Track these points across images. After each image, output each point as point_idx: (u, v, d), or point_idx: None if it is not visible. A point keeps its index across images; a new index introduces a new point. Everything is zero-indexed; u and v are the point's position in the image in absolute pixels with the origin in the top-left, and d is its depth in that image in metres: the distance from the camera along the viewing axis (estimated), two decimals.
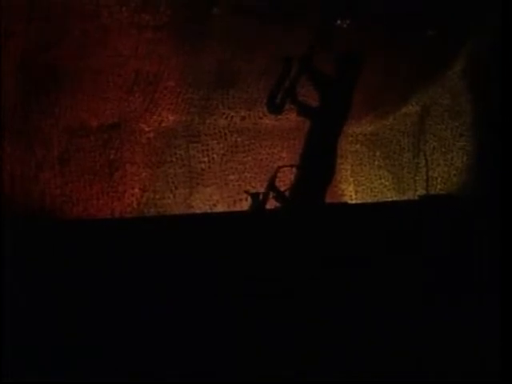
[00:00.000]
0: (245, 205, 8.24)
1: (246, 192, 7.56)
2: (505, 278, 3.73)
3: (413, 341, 4.42)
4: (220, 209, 8.12)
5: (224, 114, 8.13)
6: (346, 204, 8.35)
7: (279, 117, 7.81)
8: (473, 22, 7.78)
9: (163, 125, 7.87)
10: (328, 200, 7.22)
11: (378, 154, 9.03)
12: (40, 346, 4.54)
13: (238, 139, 8.35)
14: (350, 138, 8.88)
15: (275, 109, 6.93)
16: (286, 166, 7.53)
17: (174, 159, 8.05)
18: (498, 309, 3.73)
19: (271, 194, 7.13)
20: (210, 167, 8.22)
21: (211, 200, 8.16)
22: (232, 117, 8.19)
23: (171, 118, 7.86)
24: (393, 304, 5.05)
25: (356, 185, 9.00)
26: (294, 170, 7.09)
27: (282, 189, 7.17)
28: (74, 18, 6.70)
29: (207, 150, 8.22)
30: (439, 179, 8.77)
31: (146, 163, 7.88)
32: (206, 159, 8.22)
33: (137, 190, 7.82)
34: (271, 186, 7.16)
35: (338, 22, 7.36)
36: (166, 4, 7.07)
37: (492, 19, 7.23)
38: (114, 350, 4.59)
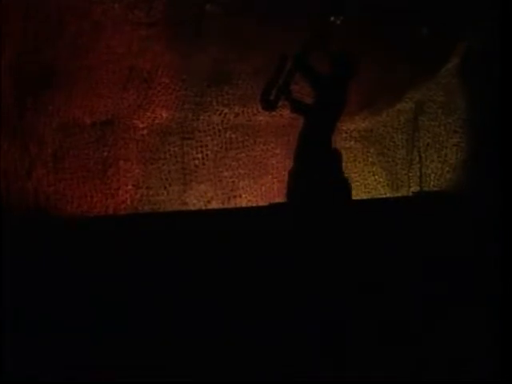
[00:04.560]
0: (239, 201, 8.24)
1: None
2: (504, 275, 3.73)
3: (411, 339, 4.43)
4: (214, 205, 8.11)
5: (218, 110, 8.12)
6: None
7: (273, 113, 7.80)
8: (467, 19, 7.78)
9: (157, 121, 7.86)
10: None
11: (371, 150, 9.02)
12: (39, 343, 4.56)
13: (232, 136, 8.34)
14: (344, 135, 8.87)
15: (269, 105, 6.92)
16: None
17: (167, 156, 8.03)
18: (497, 305, 3.74)
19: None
20: (204, 164, 8.20)
21: (205, 197, 8.15)
22: (226, 113, 8.18)
23: (165, 114, 7.85)
24: (388, 302, 5.06)
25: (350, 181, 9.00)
26: (289, 167, 7.08)
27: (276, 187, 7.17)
28: (67, 16, 6.69)
29: (201, 147, 8.21)
30: (433, 176, 8.77)
31: (140, 160, 7.86)
32: (199, 156, 8.20)
33: (130, 187, 7.80)
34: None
35: (332, 18, 7.34)
36: (159, 0, 7.05)
37: (487, 16, 7.24)
38: (112, 349, 4.59)
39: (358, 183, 8.99)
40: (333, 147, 6.97)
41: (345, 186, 6.94)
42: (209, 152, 8.21)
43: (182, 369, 4.29)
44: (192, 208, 7.98)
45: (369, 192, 8.82)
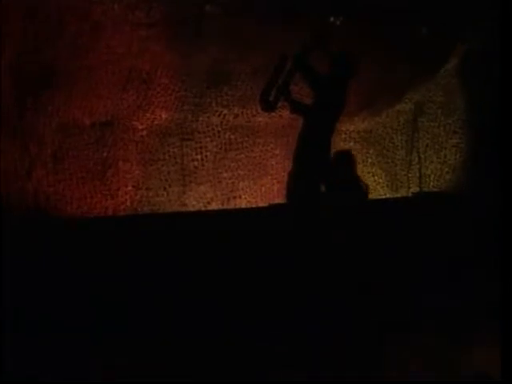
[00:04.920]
0: (239, 202, 8.24)
1: None
2: (504, 275, 3.73)
3: (410, 339, 4.44)
4: (214, 206, 8.11)
5: (217, 111, 8.12)
6: None
7: (272, 114, 7.81)
8: (467, 19, 7.78)
9: (156, 122, 7.86)
10: None
11: (371, 151, 9.04)
12: (39, 343, 4.55)
13: (232, 137, 8.34)
14: (344, 136, 8.88)
15: (268, 106, 6.92)
16: None
17: (167, 157, 8.03)
18: (498, 299, 3.73)
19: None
20: (203, 165, 8.21)
21: (205, 198, 8.15)
22: (225, 114, 8.18)
23: (164, 115, 7.84)
24: (388, 302, 5.06)
25: None
26: (288, 168, 7.08)
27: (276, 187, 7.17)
28: (67, 16, 6.67)
29: (200, 148, 8.21)
30: (432, 176, 8.79)
31: (139, 161, 7.86)
32: (199, 157, 8.20)
33: (130, 188, 7.80)
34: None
35: (332, 19, 7.35)
36: (159, 0, 7.04)
37: (487, 16, 7.23)
38: (112, 348, 4.59)
39: None
40: (347, 150, 7.02)
41: (361, 187, 6.97)
42: (208, 153, 8.21)
43: (182, 369, 4.29)
44: (191, 209, 7.98)
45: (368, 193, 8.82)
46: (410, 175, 8.97)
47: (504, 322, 3.65)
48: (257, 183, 8.39)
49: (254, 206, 8.20)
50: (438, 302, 4.95)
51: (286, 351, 4.42)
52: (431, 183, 8.78)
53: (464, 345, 4.23)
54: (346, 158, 7.07)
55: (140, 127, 7.80)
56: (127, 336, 4.82)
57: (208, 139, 8.22)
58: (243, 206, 8.19)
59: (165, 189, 7.99)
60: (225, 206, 8.14)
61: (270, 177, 8.46)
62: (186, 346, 4.62)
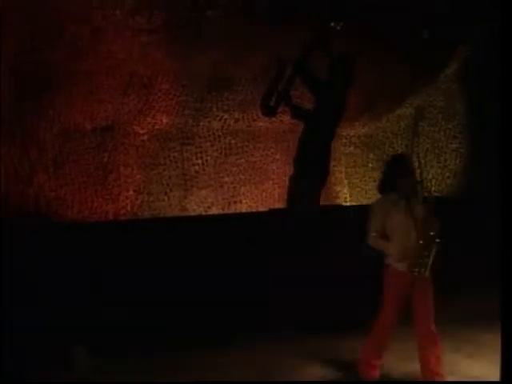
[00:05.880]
0: (239, 207, 8.23)
1: None
2: (504, 275, 3.72)
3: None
4: (214, 211, 8.10)
5: (218, 116, 8.12)
6: (340, 206, 8.35)
7: (273, 119, 7.82)
8: (467, 20, 7.76)
9: (157, 127, 7.86)
10: (323, 202, 7.22)
11: (371, 156, 9.03)
12: (39, 343, 4.56)
13: (232, 141, 8.34)
14: (344, 140, 8.89)
15: (269, 111, 6.93)
16: None
17: (167, 161, 8.03)
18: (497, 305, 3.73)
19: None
20: (204, 169, 8.21)
21: (206, 202, 8.15)
22: (226, 119, 8.18)
23: (165, 120, 7.85)
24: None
25: (350, 187, 9.00)
26: (289, 172, 7.08)
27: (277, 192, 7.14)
28: (68, 21, 6.68)
29: (201, 153, 8.21)
30: (433, 181, 8.79)
31: (140, 165, 7.86)
32: (199, 161, 8.21)
33: (131, 193, 7.80)
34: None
35: (332, 24, 7.35)
36: (160, 7, 7.05)
37: (486, 17, 7.21)
38: (112, 349, 4.59)
39: (358, 189, 9.00)
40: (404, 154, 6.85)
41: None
42: (209, 158, 8.21)
43: (181, 368, 4.30)
44: (192, 214, 7.98)
45: (369, 198, 8.79)
46: None
47: (504, 323, 3.64)
48: (258, 188, 8.39)
49: (254, 210, 8.20)
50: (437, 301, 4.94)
51: (284, 352, 4.44)
52: (432, 188, 8.77)
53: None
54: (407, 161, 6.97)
55: (141, 132, 7.80)
56: (127, 336, 4.83)
57: (209, 144, 8.22)
58: (244, 210, 8.18)
59: (166, 193, 7.99)
60: (225, 211, 8.13)
61: (270, 181, 8.46)
62: (186, 348, 4.63)
